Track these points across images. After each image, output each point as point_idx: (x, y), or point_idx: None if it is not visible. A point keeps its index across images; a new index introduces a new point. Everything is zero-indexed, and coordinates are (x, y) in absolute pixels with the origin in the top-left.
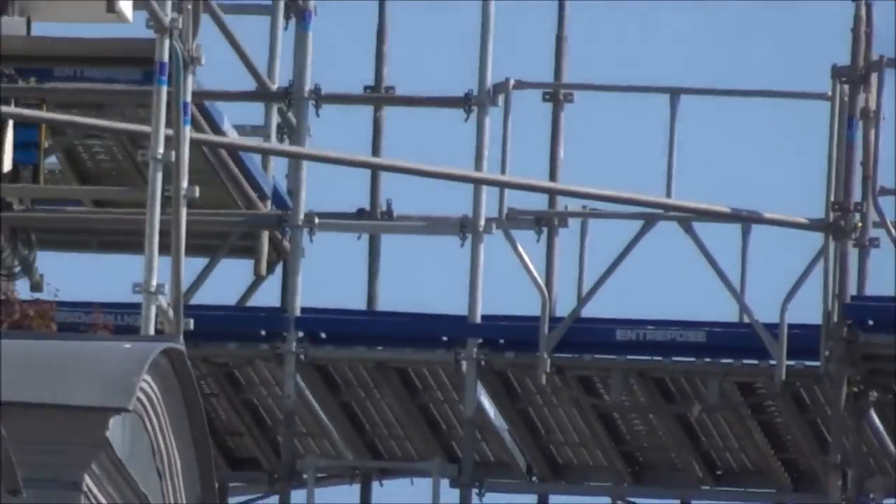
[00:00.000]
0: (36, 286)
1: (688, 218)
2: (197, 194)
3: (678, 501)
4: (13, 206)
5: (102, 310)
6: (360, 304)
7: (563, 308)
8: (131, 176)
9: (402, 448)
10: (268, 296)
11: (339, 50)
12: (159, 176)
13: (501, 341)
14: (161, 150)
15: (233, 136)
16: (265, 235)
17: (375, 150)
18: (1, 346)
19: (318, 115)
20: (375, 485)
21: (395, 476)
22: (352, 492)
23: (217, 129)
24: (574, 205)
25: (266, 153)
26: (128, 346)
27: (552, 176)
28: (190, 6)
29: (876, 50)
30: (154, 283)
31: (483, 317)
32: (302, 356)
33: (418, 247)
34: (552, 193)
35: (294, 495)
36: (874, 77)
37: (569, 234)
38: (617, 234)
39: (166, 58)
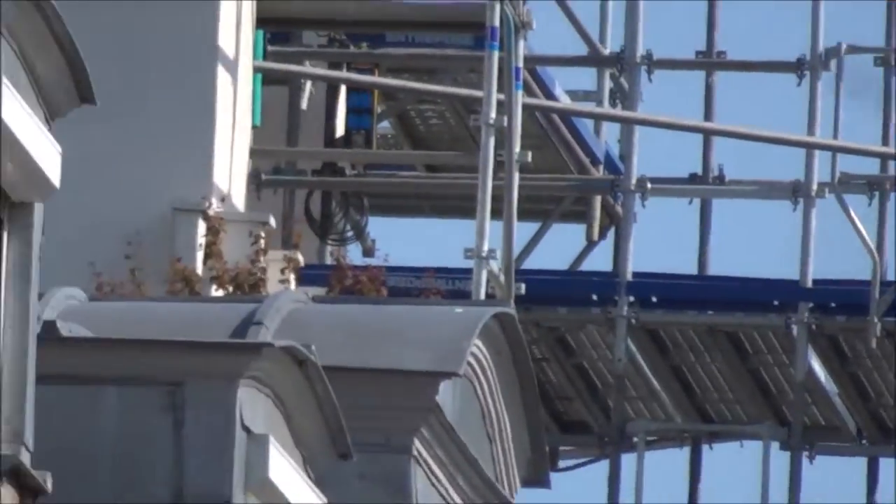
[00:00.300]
0: (367, 251)
1: None
2: (529, 159)
3: None
4: (346, 171)
5: (434, 274)
6: (691, 268)
7: (894, 272)
8: (464, 140)
9: (732, 411)
10: (599, 260)
11: (671, 15)
12: (491, 141)
13: (832, 305)
14: (493, 115)
15: (565, 102)
16: (597, 200)
17: (707, 115)
18: (333, 312)
19: (650, 80)
20: (705, 448)
21: (725, 439)
22: (681, 455)
23: (549, 95)
24: None
25: (598, 118)
26: (459, 310)
27: (884, 140)
28: None
29: None
30: (485, 247)
31: (814, 281)
32: (633, 320)
33: (750, 211)
34: (884, 158)
35: (624, 459)
36: None
37: None
38: None
39: (497, 23)
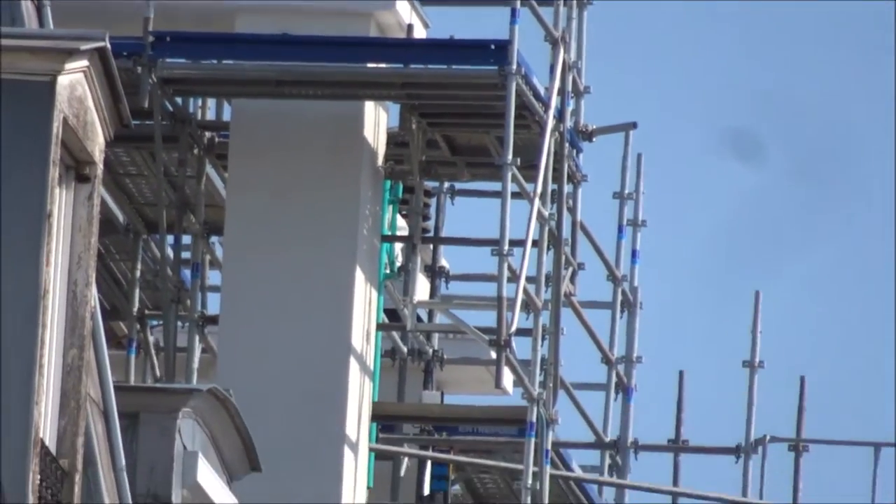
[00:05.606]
0: None
1: None
2: None
3: None
4: None
5: None
6: None
7: None
8: (512, 496)
9: None
10: None
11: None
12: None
13: None
14: (529, 482)
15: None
16: None
17: None
18: None
19: (636, 459)
20: None
21: None
22: None
23: (567, 466)
24: None
25: (601, 483)
26: None
27: None
28: (552, 378)
29: None
30: None
31: None
32: None
33: None
34: None
35: None
36: None
37: None
38: None
39: (534, 419)
